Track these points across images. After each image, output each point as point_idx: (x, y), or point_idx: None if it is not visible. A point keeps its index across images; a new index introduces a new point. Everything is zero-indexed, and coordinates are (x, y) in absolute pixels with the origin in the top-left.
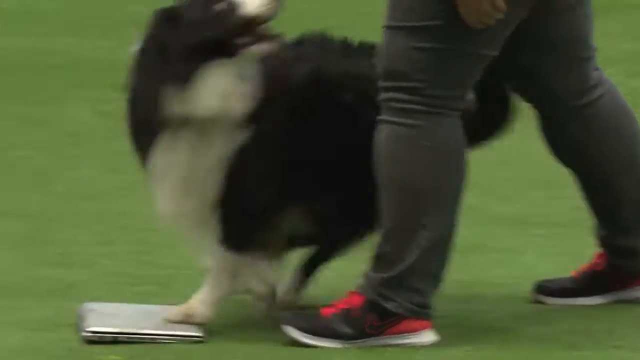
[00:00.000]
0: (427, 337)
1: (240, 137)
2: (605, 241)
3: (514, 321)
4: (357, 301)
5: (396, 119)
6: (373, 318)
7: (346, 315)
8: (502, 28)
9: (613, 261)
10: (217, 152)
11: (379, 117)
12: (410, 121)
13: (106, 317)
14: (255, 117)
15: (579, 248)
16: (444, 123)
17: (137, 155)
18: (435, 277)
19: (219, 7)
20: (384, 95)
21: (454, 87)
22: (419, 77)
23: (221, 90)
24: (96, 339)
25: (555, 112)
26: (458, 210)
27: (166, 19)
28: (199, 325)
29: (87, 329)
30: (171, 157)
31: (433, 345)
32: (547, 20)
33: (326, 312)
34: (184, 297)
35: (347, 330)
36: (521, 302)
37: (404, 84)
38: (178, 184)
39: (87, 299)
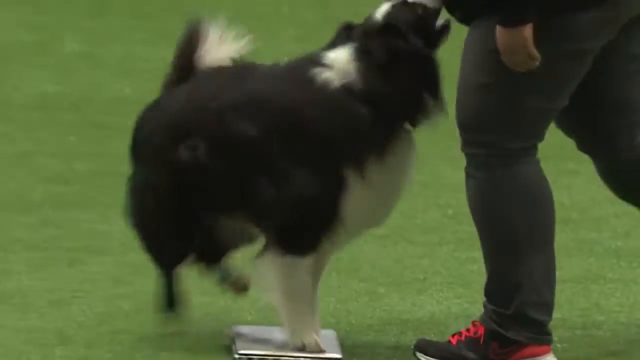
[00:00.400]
0: None
1: None
2: None
3: (629, 345)
4: (480, 330)
5: (478, 174)
6: (495, 345)
7: (470, 343)
8: (567, 81)
9: None
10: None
11: (466, 167)
12: (490, 175)
13: (255, 340)
14: None
15: None
16: (521, 171)
17: None
18: (547, 305)
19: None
20: (465, 149)
21: (526, 139)
22: (492, 132)
23: None
24: (245, 359)
25: (608, 161)
26: (553, 242)
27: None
28: (340, 346)
29: (239, 352)
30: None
31: None
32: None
33: (454, 340)
34: (326, 323)
35: (472, 356)
36: (636, 328)
37: (480, 139)
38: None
39: (238, 322)
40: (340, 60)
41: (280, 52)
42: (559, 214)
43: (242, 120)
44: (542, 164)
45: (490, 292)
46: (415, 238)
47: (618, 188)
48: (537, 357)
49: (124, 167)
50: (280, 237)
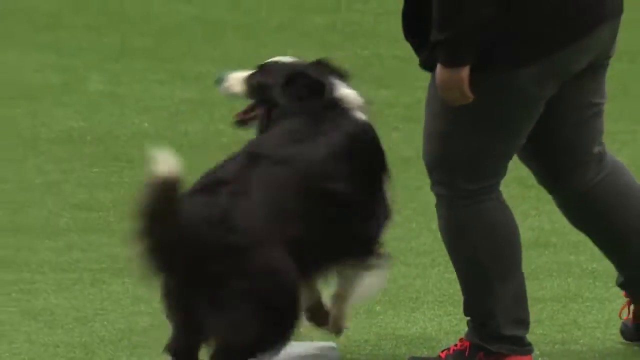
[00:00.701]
0: None
1: None
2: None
3: (605, 359)
4: (466, 344)
5: (444, 213)
6: (481, 355)
7: (457, 355)
8: (517, 127)
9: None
10: None
11: (435, 205)
12: (454, 214)
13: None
14: None
15: None
16: (483, 210)
17: None
18: (522, 322)
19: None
20: (432, 189)
21: (484, 180)
22: (452, 174)
23: None
24: None
25: (560, 196)
26: (520, 266)
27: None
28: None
29: None
30: None
31: None
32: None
33: (443, 354)
34: (327, 337)
35: None
36: (610, 343)
37: (442, 180)
38: None
39: None
40: None
41: None
42: (540, 238)
43: None
44: (525, 192)
45: (468, 314)
46: (409, 260)
47: (572, 220)
48: None
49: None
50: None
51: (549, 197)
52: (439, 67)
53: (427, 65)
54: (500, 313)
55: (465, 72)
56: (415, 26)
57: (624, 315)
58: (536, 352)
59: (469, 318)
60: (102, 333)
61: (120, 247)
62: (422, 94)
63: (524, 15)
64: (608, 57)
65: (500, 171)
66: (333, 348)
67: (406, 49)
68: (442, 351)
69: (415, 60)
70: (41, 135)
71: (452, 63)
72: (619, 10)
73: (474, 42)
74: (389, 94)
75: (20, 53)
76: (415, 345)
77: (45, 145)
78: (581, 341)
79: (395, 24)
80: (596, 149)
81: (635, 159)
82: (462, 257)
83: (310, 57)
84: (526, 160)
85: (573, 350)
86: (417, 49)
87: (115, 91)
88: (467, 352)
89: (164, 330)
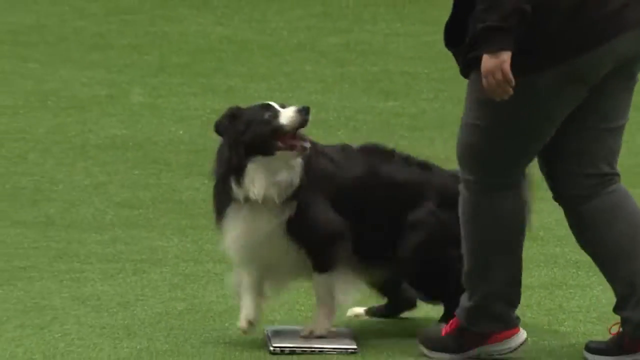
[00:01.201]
0: (519, 338)
1: (285, 213)
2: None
3: (586, 338)
4: (457, 323)
5: (466, 194)
6: (470, 334)
7: (452, 333)
8: (536, 130)
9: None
10: (267, 224)
11: (459, 186)
12: (473, 197)
13: (285, 336)
14: (296, 198)
15: None
16: (496, 196)
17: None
18: (512, 303)
19: (266, 115)
20: (460, 173)
21: (503, 175)
22: (477, 164)
23: (273, 181)
24: (278, 351)
25: (562, 203)
26: (520, 254)
27: (231, 115)
28: (355, 339)
29: (273, 345)
30: (236, 225)
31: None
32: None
33: (444, 331)
34: (343, 323)
35: (452, 344)
36: (591, 325)
37: (469, 167)
38: (243, 245)
39: (270, 321)
40: None
41: (304, 102)
42: (529, 233)
43: None
44: None
45: (466, 289)
46: None
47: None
48: (508, 339)
49: (178, 195)
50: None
51: (538, 195)
52: (483, 57)
53: (465, 70)
54: (494, 292)
55: (507, 55)
56: (457, 36)
57: (614, 331)
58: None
59: (463, 297)
60: (142, 316)
61: (158, 240)
62: (425, 105)
63: (543, 23)
64: (637, 70)
65: (518, 169)
66: (347, 329)
67: (412, 66)
68: (444, 327)
69: (420, 75)
70: (89, 142)
71: (495, 48)
72: None
73: (513, 28)
74: (396, 105)
75: (72, 69)
76: (420, 324)
77: (93, 150)
78: (565, 323)
79: (402, 43)
80: (605, 168)
81: None
82: (472, 232)
83: (327, 72)
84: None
85: (558, 331)
86: (457, 57)
87: (154, 103)
88: (458, 330)
89: (197, 314)
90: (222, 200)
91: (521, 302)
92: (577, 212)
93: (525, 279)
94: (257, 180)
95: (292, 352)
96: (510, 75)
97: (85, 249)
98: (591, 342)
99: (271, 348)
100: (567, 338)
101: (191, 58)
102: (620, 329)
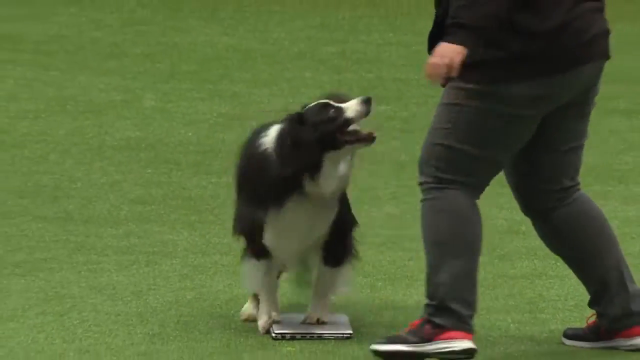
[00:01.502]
0: (464, 344)
1: (338, 205)
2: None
3: (564, 324)
4: (419, 320)
5: (423, 196)
6: (428, 327)
7: (411, 330)
8: (500, 138)
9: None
10: (327, 217)
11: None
12: (429, 197)
13: (287, 323)
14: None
15: None
16: (450, 195)
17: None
18: (468, 303)
19: (330, 112)
20: (419, 179)
21: (458, 174)
22: (436, 165)
23: (339, 175)
24: (280, 337)
25: (531, 216)
26: (477, 253)
27: (296, 121)
28: (350, 325)
29: (275, 332)
30: (298, 215)
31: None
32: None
33: (406, 330)
34: (340, 308)
35: (412, 338)
36: (569, 312)
37: (427, 171)
38: (301, 234)
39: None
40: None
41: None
42: (513, 227)
43: None
44: (500, 190)
45: (426, 288)
46: (405, 245)
47: (551, 247)
48: (455, 340)
49: (187, 192)
50: None
51: None
52: (442, 44)
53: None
54: (447, 287)
55: (463, 50)
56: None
57: (591, 321)
58: (508, 320)
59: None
60: (154, 304)
61: (169, 234)
62: (416, 109)
63: (527, 44)
64: (592, 96)
65: (475, 173)
66: (343, 316)
67: (403, 72)
68: (406, 327)
69: (410, 81)
70: (105, 143)
71: (456, 41)
72: (605, 55)
73: (481, 30)
74: (388, 109)
75: (89, 76)
76: (410, 314)
77: (109, 151)
78: (546, 311)
79: (394, 52)
80: (568, 183)
81: None
82: (429, 232)
83: (325, 79)
84: (505, 175)
85: (539, 318)
86: None
87: (165, 107)
88: (419, 325)
89: (205, 302)
90: (281, 195)
91: (505, 291)
92: (546, 224)
93: (508, 270)
94: (330, 176)
95: (293, 338)
96: (456, 65)
97: (101, 242)
98: (569, 328)
99: (274, 334)
100: (546, 325)
101: (199, 66)
102: (597, 320)
